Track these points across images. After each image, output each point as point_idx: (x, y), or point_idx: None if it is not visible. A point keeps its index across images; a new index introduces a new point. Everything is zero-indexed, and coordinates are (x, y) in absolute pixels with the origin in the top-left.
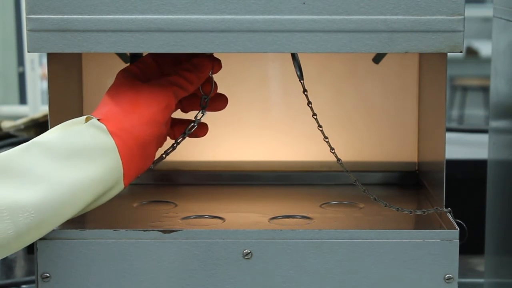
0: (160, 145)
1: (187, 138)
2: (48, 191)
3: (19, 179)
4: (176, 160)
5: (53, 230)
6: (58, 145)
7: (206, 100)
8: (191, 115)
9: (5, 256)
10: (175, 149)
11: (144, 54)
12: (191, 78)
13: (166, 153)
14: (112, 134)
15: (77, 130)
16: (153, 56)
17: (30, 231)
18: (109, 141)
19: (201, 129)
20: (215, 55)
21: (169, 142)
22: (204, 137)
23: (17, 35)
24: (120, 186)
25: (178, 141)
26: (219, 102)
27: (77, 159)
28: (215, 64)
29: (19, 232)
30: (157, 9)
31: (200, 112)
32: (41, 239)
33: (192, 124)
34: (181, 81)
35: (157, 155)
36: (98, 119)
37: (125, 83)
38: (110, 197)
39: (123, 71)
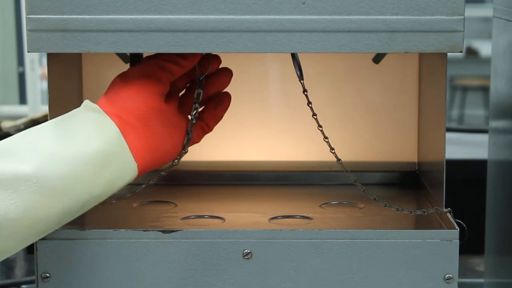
0: (186, 121)
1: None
2: (48, 162)
3: (18, 155)
4: None
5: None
6: (55, 126)
7: (201, 79)
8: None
9: (18, 237)
10: (190, 139)
11: (144, 54)
12: (183, 54)
13: (178, 158)
14: (105, 111)
15: (72, 114)
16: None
17: (36, 203)
18: (104, 118)
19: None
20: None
21: None
22: (204, 137)
23: (17, 35)
24: (130, 162)
25: (191, 129)
26: (223, 77)
27: (75, 136)
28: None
29: (25, 204)
30: (157, 9)
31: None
32: (41, 239)
33: (191, 118)
34: (170, 56)
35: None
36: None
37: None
38: (123, 173)
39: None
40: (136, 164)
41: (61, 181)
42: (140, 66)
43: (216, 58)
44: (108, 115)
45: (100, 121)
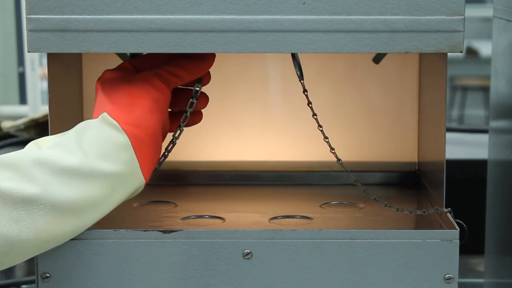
0: (165, 134)
1: (188, 138)
2: (61, 182)
3: (28, 172)
4: (176, 160)
5: None
6: (73, 145)
7: (198, 90)
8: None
9: (25, 255)
10: (175, 144)
11: (144, 54)
12: (186, 66)
13: (168, 150)
14: (122, 127)
15: (88, 125)
16: (134, 62)
17: (47, 225)
18: (122, 137)
19: (197, 116)
20: (216, 55)
21: (167, 139)
22: (204, 137)
23: (17, 35)
24: (140, 181)
25: (176, 135)
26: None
27: (90, 152)
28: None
29: (36, 227)
30: (157, 9)
31: (191, 100)
32: None
33: (185, 115)
34: (174, 68)
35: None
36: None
37: (116, 79)
38: (132, 191)
39: (109, 71)
40: (144, 181)
41: (73, 204)
42: (145, 76)
43: (207, 76)
44: (125, 132)
45: (116, 140)
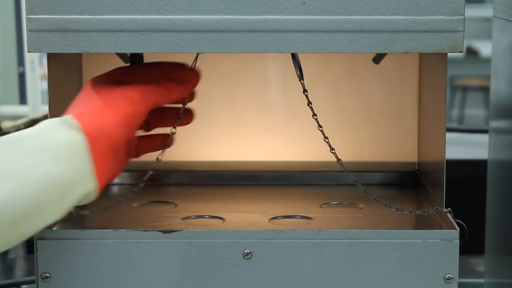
0: (131, 153)
1: (188, 138)
2: (14, 188)
3: None
4: (176, 160)
5: (53, 230)
6: (29, 141)
7: (181, 110)
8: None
9: None
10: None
11: (144, 54)
12: (174, 88)
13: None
14: (85, 132)
15: (50, 126)
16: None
17: None
18: (79, 140)
19: (186, 118)
20: (216, 55)
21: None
22: (204, 137)
23: (17, 35)
24: (91, 188)
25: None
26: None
27: (47, 157)
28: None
29: None
30: (157, 9)
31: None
32: (41, 239)
33: (170, 137)
34: (157, 88)
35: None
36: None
37: (101, 82)
38: (80, 199)
39: (101, 75)
40: (96, 188)
41: (25, 209)
42: (127, 89)
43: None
44: (87, 137)
45: (75, 147)
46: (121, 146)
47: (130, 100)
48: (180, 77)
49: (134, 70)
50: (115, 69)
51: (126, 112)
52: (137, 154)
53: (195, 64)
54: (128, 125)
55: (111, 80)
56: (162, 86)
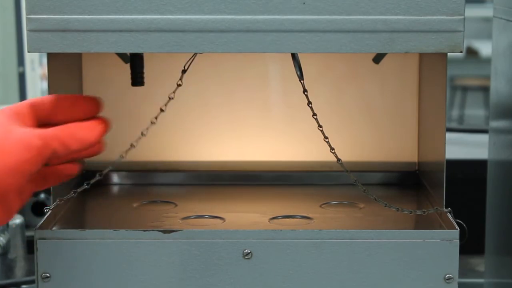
0: (25, 199)
1: (187, 138)
2: None
3: None
4: (176, 160)
5: (53, 230)
6: None
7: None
8: None
9: None
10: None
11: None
12: (72, 145)
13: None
14: None
15: None
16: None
17: None
18: None
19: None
20: (216, 54)
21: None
22: (204, 137)
23: (17, 35)
24: None
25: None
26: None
27: None
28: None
29: None
30: (157, 9)
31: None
32: (41, 239)
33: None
34: (66, 139)
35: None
36: None
37: (11, 116)
38: None
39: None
40: None
41: None
42: (32, 133)
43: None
44: None
45: None
46: (7, 194)
47: (26, 147)
48: (84, 136)
49: (47, 108)
50: (21, 108)
51: (18, 159)
52: (44, 186)
53: (190, 63)
54: (20, 172)
55: (28, 113)
56: (68, 135)
